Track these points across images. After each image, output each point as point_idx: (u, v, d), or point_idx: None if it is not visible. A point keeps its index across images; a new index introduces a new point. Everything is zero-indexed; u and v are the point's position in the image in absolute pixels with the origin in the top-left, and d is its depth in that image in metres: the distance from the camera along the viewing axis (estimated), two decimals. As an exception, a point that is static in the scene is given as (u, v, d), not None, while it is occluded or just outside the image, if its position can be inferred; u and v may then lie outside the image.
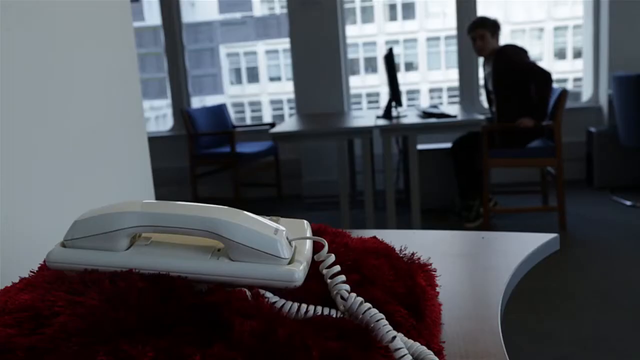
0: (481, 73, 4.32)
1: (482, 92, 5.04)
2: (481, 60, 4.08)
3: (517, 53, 3.79)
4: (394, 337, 0.39)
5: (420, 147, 4.13)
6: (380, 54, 12.09)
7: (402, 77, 13.12)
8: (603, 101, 4.80)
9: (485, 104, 4.27)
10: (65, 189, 0.80)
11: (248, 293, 0.42)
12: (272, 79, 14.26)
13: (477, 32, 3.85)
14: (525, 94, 3.69)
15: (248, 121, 12.47)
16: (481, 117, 3.46)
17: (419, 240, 0.77)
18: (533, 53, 4.01)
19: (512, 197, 4.46)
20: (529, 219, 3.95)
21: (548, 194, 4.07)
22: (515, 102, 3.73)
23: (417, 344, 0.40)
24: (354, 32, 12.62)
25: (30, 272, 0.50)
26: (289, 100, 11.64)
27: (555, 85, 3.70)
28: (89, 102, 0.86)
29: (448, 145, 4.42)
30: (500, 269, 0.64)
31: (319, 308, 0.42)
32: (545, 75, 3.61)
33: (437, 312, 0.51)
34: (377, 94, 12.97)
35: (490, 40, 3.84)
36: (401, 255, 0.55)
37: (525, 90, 3.70)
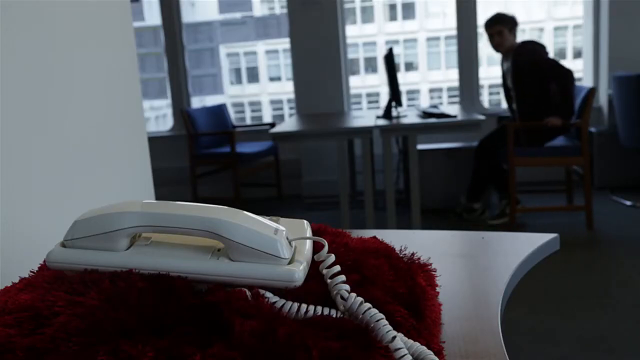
0: (495, 70, 4.32)
1: (482, 92, 5.05)
2: (497, 57, 4.05)
3: (536, 49, 3.76)
4: (394, 337, 0.39)
5: (420, 147, 4.13)
6: (380, 54, 12.09)
7: (402, 77, 13.12)
8: (603, 101, 4.80)
9: (503, 103, 4.30)
10: (65, 189, 0.80)
11: (248, 293, 0.42)
12: (272, 79, 14.26)
13: (494, 28, 3.82)
14: (545, 90, 3.68)
15: (248, 121, 12.47)
16: (481, 117, 3.46)
17: (419, 240, 0.77)
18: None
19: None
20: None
21: (573, 193, 4.08)
22: (535, 98, 3.71)
23: (417, 344, 0.40)
24: (354, 32, 12.62)
25: (30, 272, 0.50)
26: (289, 100, 11.65)
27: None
28: (89, 102, 0.86)
29: (448, 145, 4.42)
30: (500, 269, 0.64)
31: (319, 308, 0.42)
32: (567, 73, 3.60)
33: (437, 312, 0.51)
34: (377, 94, 12.98)
35: (508, 36, 3.81)
36: (401, 255, 0.55)
37: (545, 87, 3.68)
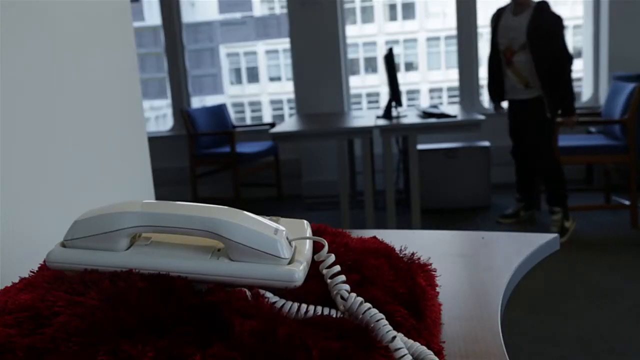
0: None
1: (482, 92, 5.03)
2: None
3: (555, 20, 3.52)
4: (394, 337, 0.39)
5: (420, 147, 4.13)
6: (380, 54, 12.07)
7: (402, 77, 13.10)
8: (603, 101, 4.80)
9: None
10: (65, 189, 0.80)
11: (248, 293, 0.42)
12: (272, 79, 14.25)
13: None
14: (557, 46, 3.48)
15: (248, 121, 12.47)
16: (481, 117, 3.46)
17: (419, 240, 0.77)
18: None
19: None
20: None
21: (610, 192, 4.09)
22: (554, 55, 3.46)
23: (417, 344, 0.40)
24: (354, 32, 12.61)
25: (30, 272, 0.50)
26: (289, 100, 11.63)
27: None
28: (89, 102, 0.86)
29: (448, 145, 4.42)
30: (500, 269, 0.64)
31: (319, 308, 0.42)
32: (570, 59, 3.46)
33: (437, 312, 0.51)
34: (377, 94, 12.97)
35: None
36: (401, 255, 0.55)
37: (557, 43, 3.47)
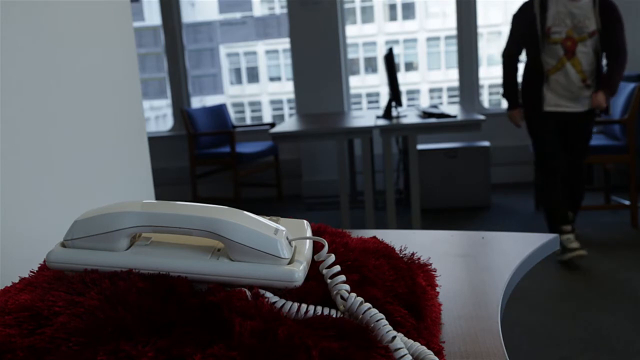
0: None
1: (482, 92, 5.02)
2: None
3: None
4: (394, 337, 0.39)
5: (420, 147, 4.13)
6: (380, 54, 12.07)
7: (402, 77, 13.09)
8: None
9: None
10: (65, 189, 0.80)
11: (248, 293, 0.42)
12: (272, 79, 14.24)
13: None
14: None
15: (248, 121, 12.46)
16: (481, 117, 3.45)
17: (419, 240, 0.77)
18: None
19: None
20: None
21: (610, 192, 4.08)
22: (616, 45, 3.16)
23: (417, 344, 0.40)
24: (354, 32, 12.60)
25: (30, 272, 0.50)
26: (289, 100, 11.64)
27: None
28: (89, 102, 0.86)
29: (448, 145, 4.42)
30: (500, 269, 0.64)
31: (319, 308, 0.42)
32: (626, 53, 3.20)
33: (437, 312, 0.51)
34: (377, 94, 12.96)
35: None
36: (401, 255, 0.55)
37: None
